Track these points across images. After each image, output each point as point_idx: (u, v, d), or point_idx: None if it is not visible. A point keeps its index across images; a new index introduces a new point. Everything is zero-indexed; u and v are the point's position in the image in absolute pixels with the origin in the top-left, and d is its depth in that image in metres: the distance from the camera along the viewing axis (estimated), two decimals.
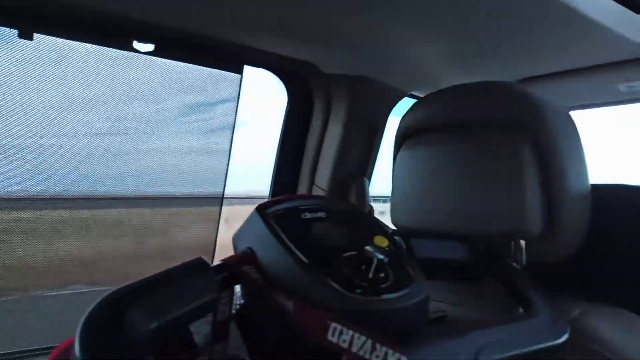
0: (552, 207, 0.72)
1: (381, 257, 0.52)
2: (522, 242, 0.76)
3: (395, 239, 0.65)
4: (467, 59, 1.27)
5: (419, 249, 0.68)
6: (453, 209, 0.79)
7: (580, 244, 0.75)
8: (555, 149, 0.73)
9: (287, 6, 0.94)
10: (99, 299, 0.43)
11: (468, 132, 0.80)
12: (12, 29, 0.94)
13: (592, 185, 0.78)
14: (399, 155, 0.92)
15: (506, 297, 0.67)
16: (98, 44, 1.04)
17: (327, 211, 0.62)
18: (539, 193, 0.72)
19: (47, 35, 0.96)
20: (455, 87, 0.85)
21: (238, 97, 1.26)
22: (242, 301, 0.59)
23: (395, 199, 0.92)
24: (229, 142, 1.29)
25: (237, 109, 1.26)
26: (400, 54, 1.17)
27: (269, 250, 0.54)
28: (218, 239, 1.36)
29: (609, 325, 0.65)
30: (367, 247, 0.53)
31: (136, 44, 1.05)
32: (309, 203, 0.62)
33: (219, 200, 1.33)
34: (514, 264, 0.73)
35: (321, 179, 1.39)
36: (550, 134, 0.73)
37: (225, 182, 1.31)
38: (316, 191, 1.39)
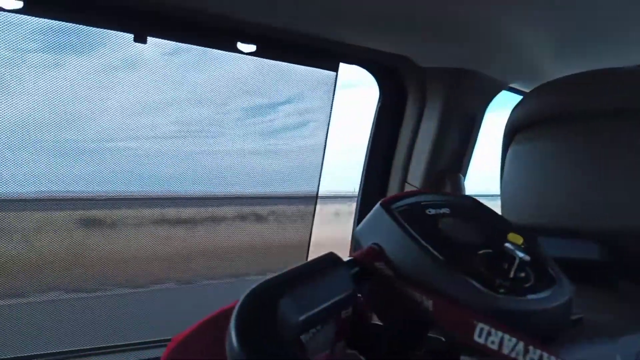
0: None
1: (522, 255, 0.49)
2: None
3: (530, 237, 0.62)
4: (576, 45, 1.19)
5: (548, 249, 0.64)
6: (581, 205, 0.74)
7: None
8: None
9: (385, 0, 0.93)
10: (249, 289, 0.44)
11: (596, 122, 0.74)
12: (128, 33, 1.00)
13: None
14: (510, 149, 0.88)
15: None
16: (204, 46, 1.08)
17: (451, 207, 0.60)
18: None
19: (159, 38, 1.01)
20: (576, 75, 0.80)
21: (333, 95, 1.27)
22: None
23: (507, 196, 0.88)
24: (323, 140, 1.30)
25: (332, 107, 1.27)
26: (503, 43, 1.12)
27: (399, 247, 0.53)
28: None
29: None
30: (507, 245, 0.51)
31: (240, 45, 1.08)
32: (430, 199, 0.61)
33: (313, 199, 1.35)
34: None
35: (414, 175, 1.36)
36: None
37: (319, 181, 1.33)
38: (408, 188, 1.37)
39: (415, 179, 1.37)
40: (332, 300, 0.47)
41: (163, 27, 1.02)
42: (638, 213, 0.67)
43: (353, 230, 1.46)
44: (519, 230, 0.61)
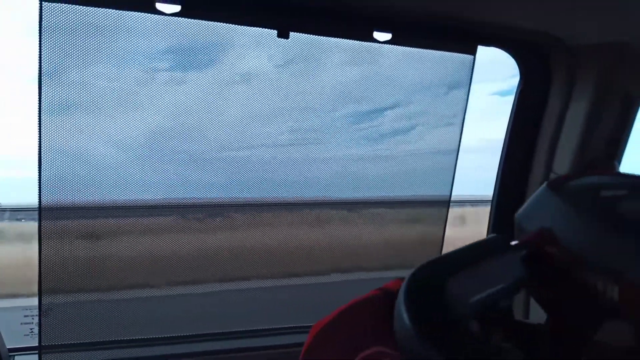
0: None
1: None
2: None
3: None
4: None
5: None
6: None
7: None
8: None
9: None
10: (416, 268, 0.44)
11: None
12: (271, 30, 1.05)
13: None
14: None
15: None
16: (342, 37, 1.10)
17: (630, 189, 0.54)
18: None
19: (300, 32, 1.05)
20: None
21: (470, 83, 1.21)
22: None
23: None
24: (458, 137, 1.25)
25: (468, 96, 1.22)
26: None
27: (576, 230, 0.49)
28: None
29: None
30: None
31: (376, 34, 1.08)
32: (605, 180, 0.55)
33: (446, 203, 1.32)
34: None
35: (560, 165, 1.26)
36: None
37: (452, 183, 1.29)
38: (554, 178, 1.27)
39: (561, 169, 1.26)
40: (504, 285, 0.45)
41: (303, 22, 1.05)
42: None
43: (487, 234, 1.40)
44: None
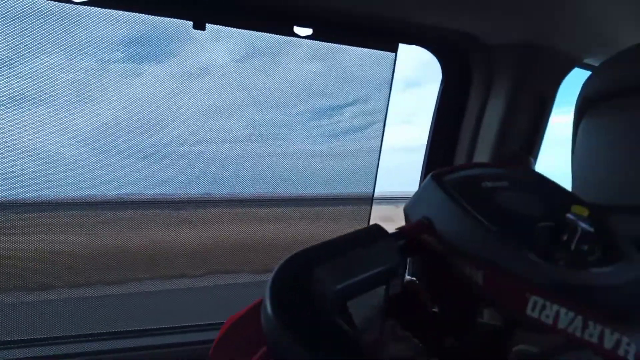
0: None
1: (586, 226, 0.45)
2: None
3: (598, 210, 0.57)
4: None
5: (622, 227, 0.59)
6: None
7: None
8: None
9: None
10: (284, 259, 0.44)
11: None
12: (187, 21, 1.02)
13: None
14: (581, 126, 0.81)
15: None
16: (262, 31, 1.09)
17: (510, 180, 0.56)
18: None
19: (218, 25, 1.03)
20: None
21: (391, 81, 1.23)
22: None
23: (578, 173, 0.81)
24: (380, 133, 1.27)
25: (389, 94, 1.24)
26: (575, 14, 1.04)
27: (450, 219, 0.50)
28: None
29: None
30: (569, 216, 0.46)
31: (297, 29, 1.08)
32: (488, 172, 0.57)
33: (369, 200, 1.33)
34: None
35: (480, 159, 1.30)
36: None
37: (375, 180, 1.30)
38: None
39: (483, 160, 1.30)
40: (374, 271, 0.45)
41: (221, 13, 1.04)
42: None
43: None
44: (586, 203, 0.56)
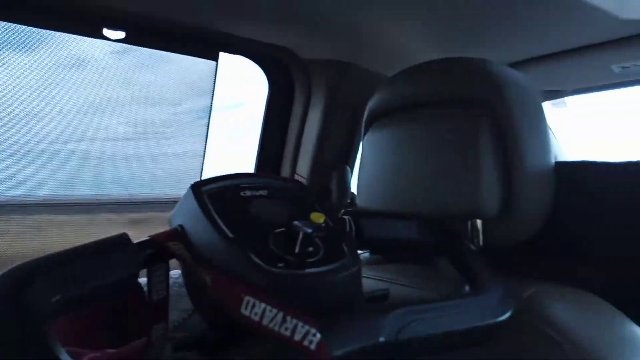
0: (511, 187, 0.70)
1: (308, 230, 0.50)
2: (479, 223, 0.74)
3: (343, 218, 0.64)
4: (452, 42, 1.24)
5: (371, 229, 0.66)
6: (413, 190, 0.77)
7: (541, 224, 0.73)
8: (514, 127, 0.71)
9: None
10: (4, 270, 0.42)
11: (428, 111, 0.78)
12: None
13: (557, 163, 0.76)
14: (366, 137, 0.90)
15: (457, 278, 0.65)
16: (69, 32, 1.04)
17: (270, 189, 0.61)
18: (497, 173, 0.70)
19: (13, 22, 0.96)
20: (418, 65, 0.83)
21: (213, 88, 1.25)
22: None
23: (361, 183, 0.90)
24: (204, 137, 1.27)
25: (212, 99, 1.25)
26: (378, 36, 1.15)
27: (197, 227, 0.53)
28: None
29: (563, 306, 0.63)
30: (296, 222, 0.52)
31: (106, 32, 1.04)
32: (250, 181, 0.61)
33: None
34: (471, 245, 0.71)
35: (302, 167, 1.38)
36: (510, 112, 0.71)
37: None
38: (298, 179, 1.38)
39: (304, 171, 1.38)
40: (104, 281, 0.46)
41: (19, 9, 0.97)
42: (453, 198, 0.71)
43: None
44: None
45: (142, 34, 1.10)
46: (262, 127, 1.41)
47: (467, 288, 0.62)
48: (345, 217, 0.65)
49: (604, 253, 0.71)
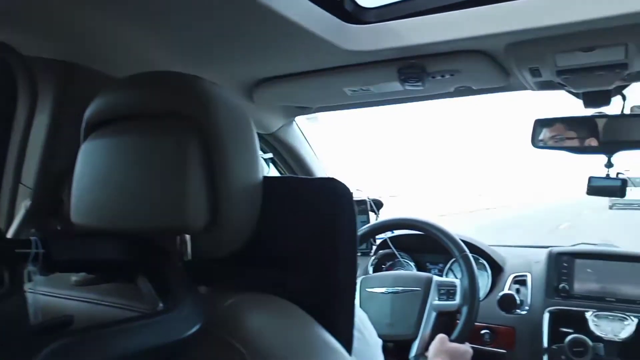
0: (217, 202, 0.72)
1: None
2: (188, 237, 0.75)
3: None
4: (199, 55, 1.26)
5: (61, 250, 0.61)
6: (123, 205, 0.74)
7: (249, 237, 0.77)
8: (221, 142, 0.73)
9: None
10: None
11: (139, 123, 0.76)
12: None
13: (265, 178, 0.81)
14: (83, 147, 0.84)
15: (154, 294, 0.64)
16: None
17: None
18: (204, 187, 0.71)
19: None
20: (132, 76, 0.81)
21: None
22: None
23: (75, 197, 0.84)
24: None
25: None
26: (109, 38, 1.09)
27: None
28: None
29: (255, 315, 0.67)
30: None
31: None
32: None
33: None
34: (178, 259, 0.71)
35: (29, 176, 1.22)
36: (217, 128, 0.73)
37: None
38: (22, 189, 1.22)
39: (30, 180, 1.22)
40: None
41: None
42: (159, 213, 0.71)
43: None
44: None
45: None
46: None
47: (161, 305, 0.62)
48: (32, 237, 0.59)
49: (300, 261, 0.78)
